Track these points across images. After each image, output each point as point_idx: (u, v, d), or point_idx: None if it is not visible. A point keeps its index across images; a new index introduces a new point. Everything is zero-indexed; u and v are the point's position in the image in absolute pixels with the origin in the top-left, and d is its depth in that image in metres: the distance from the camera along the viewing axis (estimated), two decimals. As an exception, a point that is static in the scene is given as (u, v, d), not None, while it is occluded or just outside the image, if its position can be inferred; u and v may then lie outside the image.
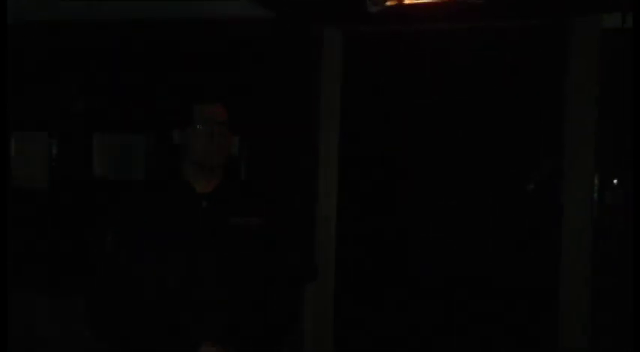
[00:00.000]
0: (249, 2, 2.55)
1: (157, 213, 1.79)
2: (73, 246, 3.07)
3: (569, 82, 2.58)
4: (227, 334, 1.76)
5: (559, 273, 2.61)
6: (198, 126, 1.81)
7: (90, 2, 2.76)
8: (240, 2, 2.59)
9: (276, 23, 2.77)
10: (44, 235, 3.12)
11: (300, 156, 2.87)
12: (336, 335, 2.91)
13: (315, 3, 2.51)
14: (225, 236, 1.81)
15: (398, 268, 2.98)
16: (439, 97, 2.86)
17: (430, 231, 2.92)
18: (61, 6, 2.80)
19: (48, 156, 3.12)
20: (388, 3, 2.06)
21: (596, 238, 2.54)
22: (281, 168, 2.85)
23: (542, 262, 2.71)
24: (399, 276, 2.97)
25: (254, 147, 2.90)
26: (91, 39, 3.04)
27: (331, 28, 2.82)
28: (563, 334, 2.60)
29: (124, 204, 1.86)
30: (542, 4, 2.43)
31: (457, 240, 2.88)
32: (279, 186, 2.77)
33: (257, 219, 1.88)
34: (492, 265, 2.84)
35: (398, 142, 2.95)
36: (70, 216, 3.09)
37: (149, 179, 2.05)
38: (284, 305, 1.95)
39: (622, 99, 2.39)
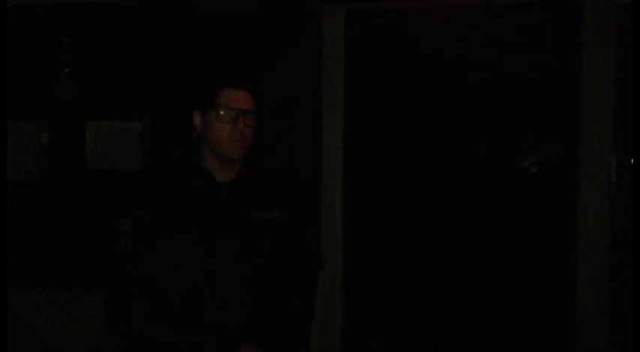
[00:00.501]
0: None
1: (177, 203, 1.67)
2: (66, 238, 2.94)
3: (584, 59, 2.51)
4: (250, 329, 1.67)
5: (575, 256, 2.56)
6: (220, 113, 1.68)
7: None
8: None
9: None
10: (34, 229, 2.98)
11: (303, 142, 2.76)
12: (344, 322, 2.83)
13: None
14: (247, 228, 1.70)
15: (405, 255, 2.90)
16: (445, 76, 2.77)
17: (440, 214, 2.84)
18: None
19: (37, 147, 2.97)
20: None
21: (613, 219, 2.49)
22: (282, 154, 2.74)
23: (557, 247, 2.66)
24: (406, 263, 2.89)
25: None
26: (80, 21, 2.87)
27: (332, 5, 2.69)
28: (579, 320, 2.55)
29: (142, 194, 1.74)
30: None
31: (467, 226, 2.81)
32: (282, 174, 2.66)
33: (278, 210, 1.78)
34: (503, 248, 2.77)
35: (403, 124, 2.86)
36: (62, 208, 2.95)
37: (165, 167, 1.90)
38: (306, 298, 1.86)
39: (638, 76, 2.34)
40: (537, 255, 2.72)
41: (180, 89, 2.64)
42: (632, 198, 2.45)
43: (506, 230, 2.76)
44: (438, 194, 2.84)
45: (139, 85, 2.84)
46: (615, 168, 2.48)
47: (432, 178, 2.85)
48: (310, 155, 2.74)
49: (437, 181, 2.84)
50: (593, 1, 2.47)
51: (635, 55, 2.32)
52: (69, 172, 2.94)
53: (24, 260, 2.92)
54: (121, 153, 2.90)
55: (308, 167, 2.73)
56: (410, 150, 2.88)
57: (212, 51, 2.74)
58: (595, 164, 2.50)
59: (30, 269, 2.94)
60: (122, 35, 2.81)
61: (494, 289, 2.77)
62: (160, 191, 1.72)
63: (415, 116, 2.84)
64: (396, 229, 2.92)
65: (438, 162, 2.83)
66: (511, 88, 2.72)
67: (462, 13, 2.66)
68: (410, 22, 2.75)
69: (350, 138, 2.77)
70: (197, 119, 1.73)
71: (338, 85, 2.73)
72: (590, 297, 2.53)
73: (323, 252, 2.74)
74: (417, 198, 2.89)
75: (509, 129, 2.74)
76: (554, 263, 2.67)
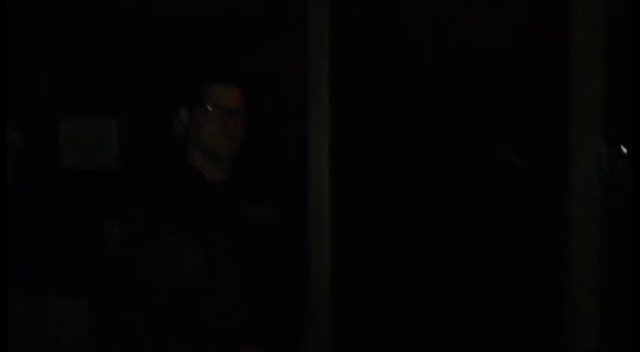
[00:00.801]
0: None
1: (168, 203, 1.58)
2: (39, 240, 2.82)
3: (573, 45, 2.47)
4: (248, 329, 1.59)
5: (568, 244, 2.53)
6: (208, 110, 1.59)
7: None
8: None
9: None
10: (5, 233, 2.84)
11: (288, 133, 2.66)
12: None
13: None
14: (241, 227, 1.62)
15: (396, 247, 2.84)
16: (432, 64, 2.71)
17: (427, 202, 2.77)
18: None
19: (7, 147, 2.82)
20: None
21: (604, 207, 2.47)
22: (269, 146, 2.64)
23: (548, 234, 2.63)
24: (396, 255, 2.83)
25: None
26: (54, 14, 2.74)
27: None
28: (571, 309, 2.52)
29: (129, 194, 1.64)
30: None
31: (456, 217, 2.76)
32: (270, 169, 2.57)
33: (271, 209, 1.71)
34: (492, 238, 2.73)
35: (390, 111, 2.78)
36: (36, 211, 2.82)
37: (152, 165, 1.81)
38: (302, 296, 1.80)
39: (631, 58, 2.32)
40: (527, 244, 2.68)
41: (163, 84, 2.53)
42: (623, 186, 2.44)
43: (496, 219, 2.72)
44: (426, 181, 2.78)
45: (116, 80, 2.72)
46: (606, 157, 2.45)
47: (420, 165, 2.78)
48: (296, 145, 2.65)
49: (425, 170, 2.78)
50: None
51: (627, 39, 2.31)
52: (42, 172, 2.81)
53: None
54: (97, 152, 2.79)
55: (294, 160, 2.65)
56: (397, 139, 2.82)
57: (195, 42, 2.64)
58: (585, 152, 2.47)
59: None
60: (99, 28, 2.69)
61: (483, 280, 2.72)
62: (148, 191, 1.63)
63: (402, 104, 2.78)
64: (384, 220, 2.86)
65: (426, 150, 2.77)
66: (499, 75, 2.67)
67: (450, 1, 2.60)
68: (397, 9, 2.68)
69: (336, 127, 2.70)
70: (184, 115, 1.64)
71: (323, 74, 2.64)
72: (580, 284, 2.50)
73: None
74: (404, 185, 2.82)
75: (498, 118, 2.69)
76: (545, 250, 2.64)
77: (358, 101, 2.79)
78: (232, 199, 1.64)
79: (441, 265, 2.77)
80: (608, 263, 2.46)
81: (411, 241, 2.81)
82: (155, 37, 2.66)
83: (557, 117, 2.55)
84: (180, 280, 1.53)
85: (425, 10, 2.65)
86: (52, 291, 2.79)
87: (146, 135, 2.69)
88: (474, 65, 2.67)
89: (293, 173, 2.65)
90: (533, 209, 2.67)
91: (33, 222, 2.84)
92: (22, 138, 2.82)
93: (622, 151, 2.43)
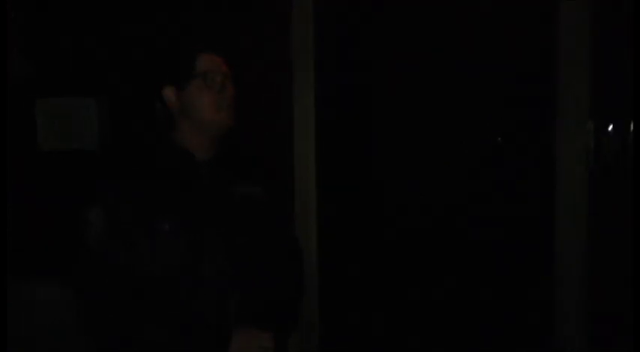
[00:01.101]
0: None
1: (156, 187, 1.52)
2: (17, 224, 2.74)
3: (560, 26, 2.44)
4: (241, 312, 1.56)
5: (554, 228, 2.52)
6: (205, 81, 1.53)
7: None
8: None
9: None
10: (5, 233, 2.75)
11: (273, 110, 2.62)
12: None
13: None
14: (231, 207, 1.58)
15: (380, 226, 2.81)
16: (418, 41, 2.66)
17: (411, 182, 2.74)
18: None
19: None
20: None
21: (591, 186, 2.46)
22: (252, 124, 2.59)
23: (534, 214, 2.62)
24: (380, 235, 2.80)
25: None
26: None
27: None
28: (557, 290, 2.53)
29: (113, 179, 1.57)
30: None
31: (444, 202, 2.73)
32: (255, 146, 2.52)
33: (260, 188, 1.66)
34: (479, 221, 2.71)
35: (375, 88, 2.74)
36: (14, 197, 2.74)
37: (136, 148, 1.75)
38: (295, 273, 1.77)
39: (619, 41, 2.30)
40: (515, 231, 2.67)
41: (144, 61, 2.44)
42: (611, 164, 2.44)
43: (484, 208, 2.69)
44: (410, 162, 2.75)
45: (94, 58, 2.64)
46: (593, 135, 2.44)
47: (407, 149, 2.75)
48: (281, 123, 2.61)
49: (412, 154, 2.75)
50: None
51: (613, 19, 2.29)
52: (18, 154, 2.73)
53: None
54: (75, 133, 2.70)
55: (279, 137, 2.61)
56: (383, 119, 2.78)
57: (176, 17, 2.55)
58: (574, 130, 2.45)
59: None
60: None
61: (470, 269, 2.71)
62: (135, 178, 1.57)
63: (388, 91, 2.74)
64: (370, 206, 2.83)
65: (413, 134, 2.73)
66: (486, 55, 2.63)
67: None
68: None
69: (321, 106, 2.66)
70: (170, 94, 1.57)
71: (308, 49, 2.60)
72: (567, 266, 2.51)
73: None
74: (390, 167, 2.79)
75: (484, 105, 2.66)
76: (532, 236, 2.64)
77: (344, 85, 2.74)
78: (222, 179, 1.59)
79: (430, 253, 2.75)
80: (596, 248, 2.45)
81: (398, 224, 2.79)
82: (136, 12, 2.57)
83: (544, 99, 2.52)
84: (169, 268, 1.49)
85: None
86: (30, 277, 2.72)
87: (127, 114, 2.62)
88: (459, 43, 2.63)
89: (279, 151, 2.61)
90: (521, 194, 2.65)
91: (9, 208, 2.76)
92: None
93: (609, 131, 2.42)
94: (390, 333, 2.78)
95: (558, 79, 2.47)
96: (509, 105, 2.62)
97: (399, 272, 2.77)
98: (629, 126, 2.36)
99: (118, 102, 2.64)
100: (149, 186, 1.52)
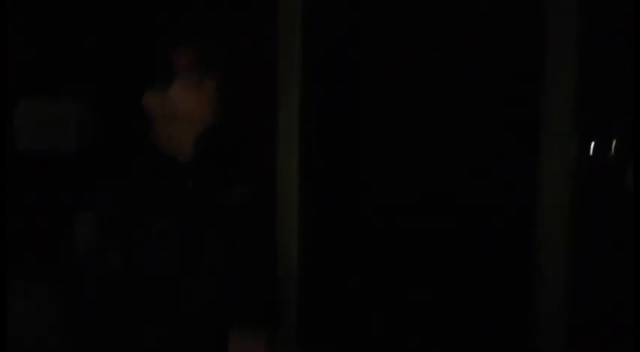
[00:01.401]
0: None
1: (141, 191, 1.50)
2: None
3: (548, 24, 2.44)
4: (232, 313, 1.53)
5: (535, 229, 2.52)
6: (190, 77, 1.50)
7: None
8: None
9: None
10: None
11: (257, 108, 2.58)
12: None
13: None
14: (215, 209, 1.55)
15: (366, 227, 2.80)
16: (409, 47, 2.66)
17: (394, 170, 2.74)
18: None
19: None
20: None
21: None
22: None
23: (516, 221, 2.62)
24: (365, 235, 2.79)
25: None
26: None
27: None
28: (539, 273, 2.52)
29: (101, 183, 1.54)
30: None
31: (429, 197, 2.72)
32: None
33: (244, 189, 1.63)
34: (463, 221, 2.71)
35: (363, 80, 2.73)
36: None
37: (119, 151, 1.71)
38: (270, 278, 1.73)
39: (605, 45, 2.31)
40: (497, 227, 2.67)
41: (122, 61, 2.41)
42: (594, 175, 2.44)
43: (469, 207, 2.69)
44: (395, 164, 2.74)
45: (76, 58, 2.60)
46: (577, 146, 2.44)
47: (392, 151, 2.74)
48: (265, 124, 2.59)
49: (397, 153, 2.74)
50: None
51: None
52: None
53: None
54: (55, 135, 2.66)
55: (263, 138, 2.59)
56: (368, 120, 2.77)
57: (159, 15, 2.52)
58: (556, 141, 2.45)
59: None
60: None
61: (454, 263, 2.71)
62: (120, 175, 1.54)
63: (373, 82, 2.72)
64: (355, 203, 2.81)
65: (398, 135, 2.72)
66: (472, 66, 2.62)
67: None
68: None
69: (306, 108, 2.63)
70: (149, 93, 1.54)
71: (294, 50, 2.58)
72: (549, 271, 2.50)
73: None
74: (375, 167, 2.78)
75: (471, 110, 2.65)
76: (516, 232, 2.64)
77: (329, 86, 2.73)
78: (203, 178, 1.57)
79: (414, 255, 2.74)
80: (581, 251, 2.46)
81: (381, 226, 2.78)
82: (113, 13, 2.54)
83: (529, 108, 2.52)
84: (159, 270, 1.46)
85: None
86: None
87: (108, 115, 2.58)
88: (447, 50, 2.63)
89: (262, 152, 2.59)
90: (506, 194, 2.65)
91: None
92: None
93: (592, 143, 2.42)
94: (373, 334, 2.77)
95: (544, 89, 2.46)
96: (497, 106, 2.62)
97: (383, 274, 2.77)
98: (615, 127, 2.36)
99: (98, 103, 2.60)
100: (135, 186, 1.50)
